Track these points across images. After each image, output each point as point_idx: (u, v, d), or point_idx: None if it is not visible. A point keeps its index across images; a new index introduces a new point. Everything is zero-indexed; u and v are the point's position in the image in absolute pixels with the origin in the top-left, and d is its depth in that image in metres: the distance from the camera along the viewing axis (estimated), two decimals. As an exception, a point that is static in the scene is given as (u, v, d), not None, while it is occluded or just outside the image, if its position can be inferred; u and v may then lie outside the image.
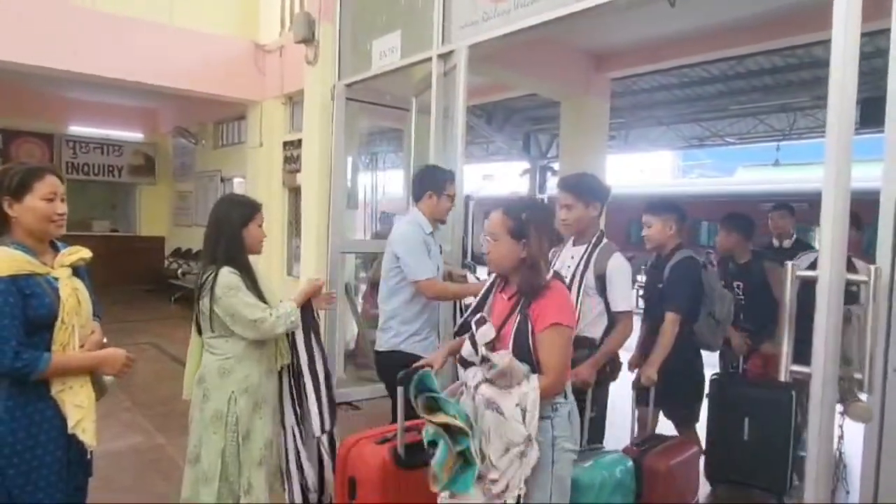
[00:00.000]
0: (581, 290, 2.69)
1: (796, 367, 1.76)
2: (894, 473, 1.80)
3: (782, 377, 1.77)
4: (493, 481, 1.91)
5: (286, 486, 2.72)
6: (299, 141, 6.58)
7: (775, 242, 4.56)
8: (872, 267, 1.69)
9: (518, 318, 2.00)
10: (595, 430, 2.70)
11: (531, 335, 1.96)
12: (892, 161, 1.78)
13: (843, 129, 1.71)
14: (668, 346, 2.96)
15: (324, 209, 5.25)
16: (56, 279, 1.95)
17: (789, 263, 1.75)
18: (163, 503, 3.12)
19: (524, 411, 1.88)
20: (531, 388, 1.90)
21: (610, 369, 2.79)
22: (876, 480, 1.84)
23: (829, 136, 1.74)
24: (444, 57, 3.97)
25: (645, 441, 2.81)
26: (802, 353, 1.77)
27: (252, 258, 2.54)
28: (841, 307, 1.69)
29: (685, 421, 3.31)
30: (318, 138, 5.41)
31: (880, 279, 1.72)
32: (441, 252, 3.22)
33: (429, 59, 4.07)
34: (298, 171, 6.94)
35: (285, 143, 7.77)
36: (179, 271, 10.34)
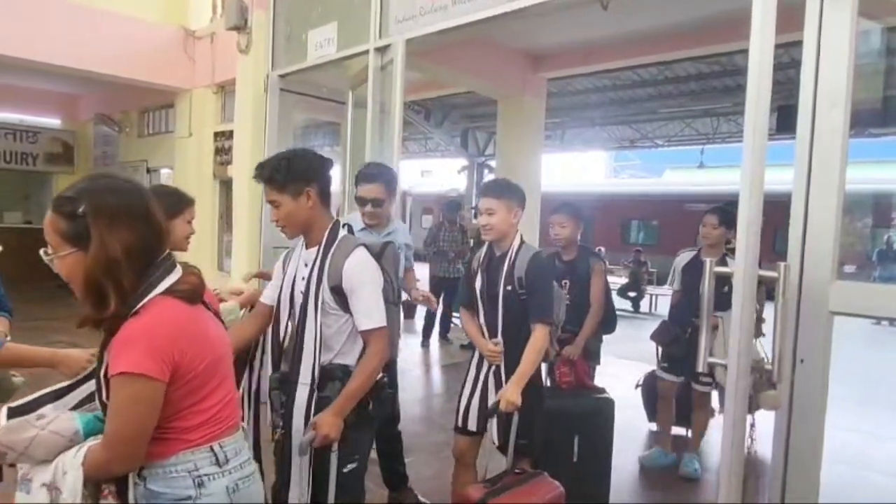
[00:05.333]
0: (318, 310, 2.03)
1: (713, 360, 1.85)
2: (803, 458, 1.92)
3: (700, 368, 1.86)
4: None
5: None
6: (231, 132, 6.37)
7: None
8: (782, 264, 1.80)
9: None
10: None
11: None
12: (802, 165, 1.90)
13: (759, 135, 1.81)
14: (536, 364, 2.47)
15: (256, 202, 5.11)
16: None
17: (707, 260, 1.84)
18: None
19: (55, 491, 1.29)
20: (75, 465, 1.29)
21: (373, 405, 2.10)
22: (784, 465, 1.96)
23: (745, 142, 1.83)
24: (381, 50, 3.93)
25: (498, 478, 2.35)
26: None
27: (179, 255, 2.41)
28: (753, 301, 1.79)
29: (523, 452, 2.50)
30: (251, 129, 5.26)
31: (789, 276, 1.83)
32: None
33: (366, 53, 4.03)
34: (230, 162, 6.72)
35: (216, 134, 7.51)
36: (101, 266, 9.80)
